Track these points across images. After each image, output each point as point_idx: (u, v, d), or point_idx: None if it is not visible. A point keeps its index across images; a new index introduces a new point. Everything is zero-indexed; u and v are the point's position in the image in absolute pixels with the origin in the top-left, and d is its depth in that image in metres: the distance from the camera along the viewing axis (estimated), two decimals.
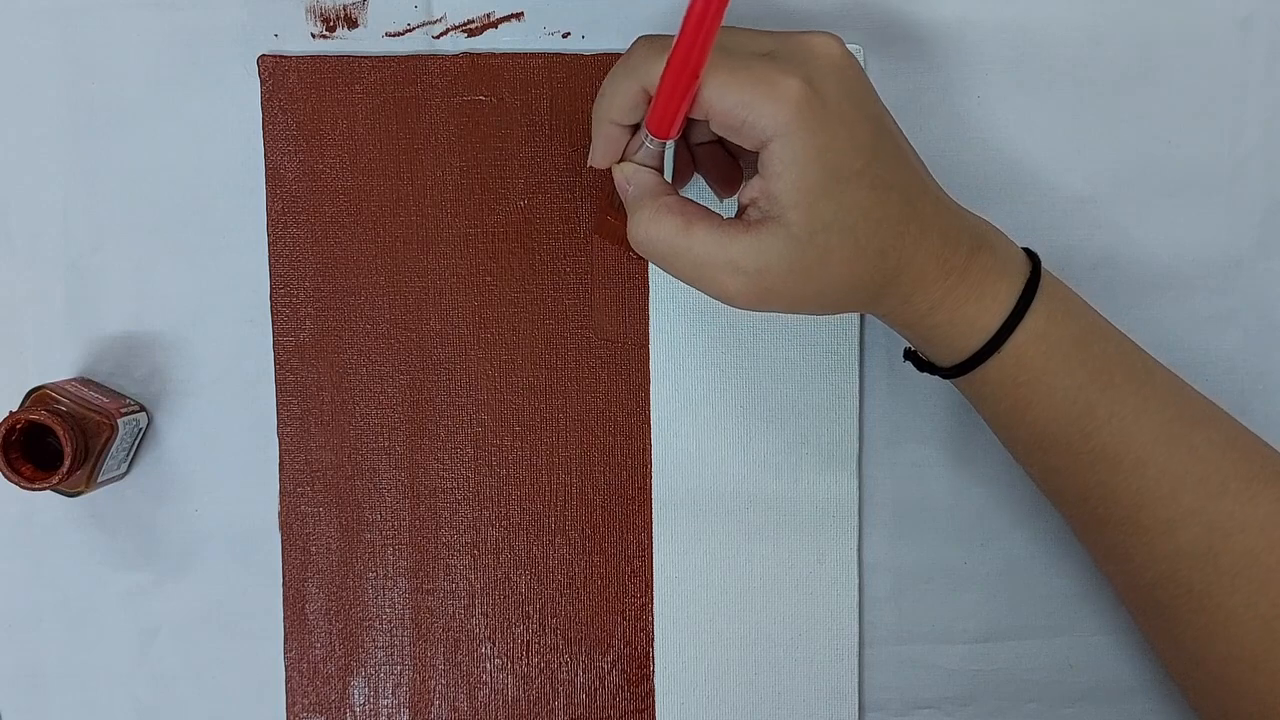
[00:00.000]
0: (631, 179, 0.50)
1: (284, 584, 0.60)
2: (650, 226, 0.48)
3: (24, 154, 0.59)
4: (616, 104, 0.49)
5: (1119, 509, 0.51)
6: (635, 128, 0.50)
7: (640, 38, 0.49)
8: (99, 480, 0.56)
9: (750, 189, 0.48)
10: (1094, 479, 0.51)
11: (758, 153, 0.47)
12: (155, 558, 0.60)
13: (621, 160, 0.51)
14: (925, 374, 0.54)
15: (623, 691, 0.60)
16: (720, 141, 0.52)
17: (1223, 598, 0.50)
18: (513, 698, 0.60)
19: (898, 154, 0.49)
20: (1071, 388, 0.50)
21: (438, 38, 0.59)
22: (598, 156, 0.51)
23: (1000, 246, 0.51)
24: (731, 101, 0.46)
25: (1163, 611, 0.52)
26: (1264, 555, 0.50)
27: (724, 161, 0.53)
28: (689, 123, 0.48)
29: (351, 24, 0.59)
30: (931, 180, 0.51)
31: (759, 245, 0.47)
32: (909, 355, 0.55)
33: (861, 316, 0.60)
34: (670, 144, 0.49)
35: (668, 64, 0.45)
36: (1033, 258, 0.52)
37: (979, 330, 0.50)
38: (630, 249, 0.57)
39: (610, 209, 0.56)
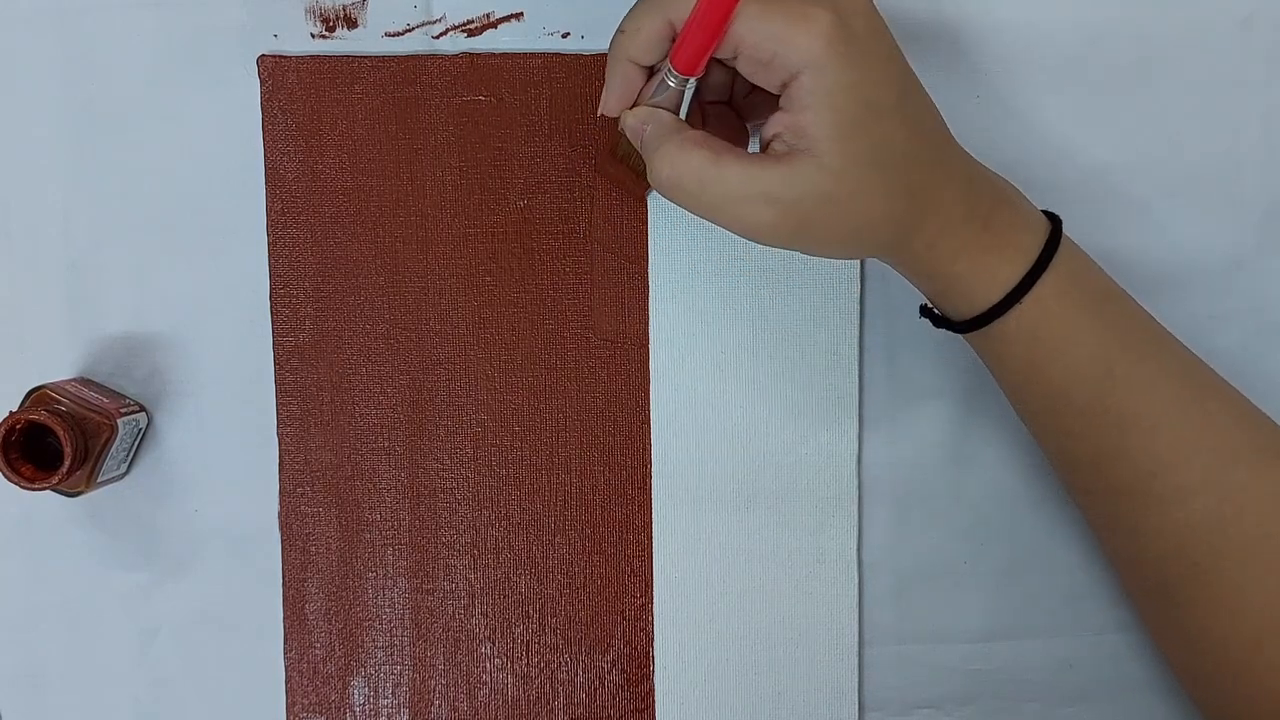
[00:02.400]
0: (649, 120, 0.49)
1: (284, 584, 0.60)
2: (677, 161, 0.47)
3: (24, 154, 0.59)
4: (639, 41, 0.48)
5: (1131, 475, 0.51)
6: (650, 71, 0.49)
7: None
8: (99, 480, 0.56)
9: (775, 123, 0.47)
10: (1108, 443, 0.51)
11: (779, 92, 0.46)
12: (155, 558, 0.60)
13: (634, 106, 0.50)
14: (939, 333, 0.54)
15: (623, 691, 0.60)
16: (729, 103, 0.52)
17: (1231, 573, 0.50)
18: (513, 697, 0.60)
19: (924, 95, 0.49)
20: (1090, 345, 0.50)
21: (437, 38, 0.59)
22: (612, 100, 0.50)
23: (1021, 203, 0.52)
24: (762, 34, 0.45)
25: (1167, 589, 0.52)
26: (1275, 529, 0.50)
27: (733, 123, 0.53)
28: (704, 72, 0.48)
29: (351, 24, 0.59)
30: (950, 132, 0.51)
31: (792, 176, 0.46)
32: (925, 311, 0.54)
33: (861, 316, 0.60)
34: (692, 84, 0.48)
35: None
36: (1053, 218, 0.52)
37: (1000, 282, 0.50)
38: (635, 193, 0.57)
39: (612, 156, 0.56)
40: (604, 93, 0.50)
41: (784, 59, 0.45)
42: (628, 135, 0.50)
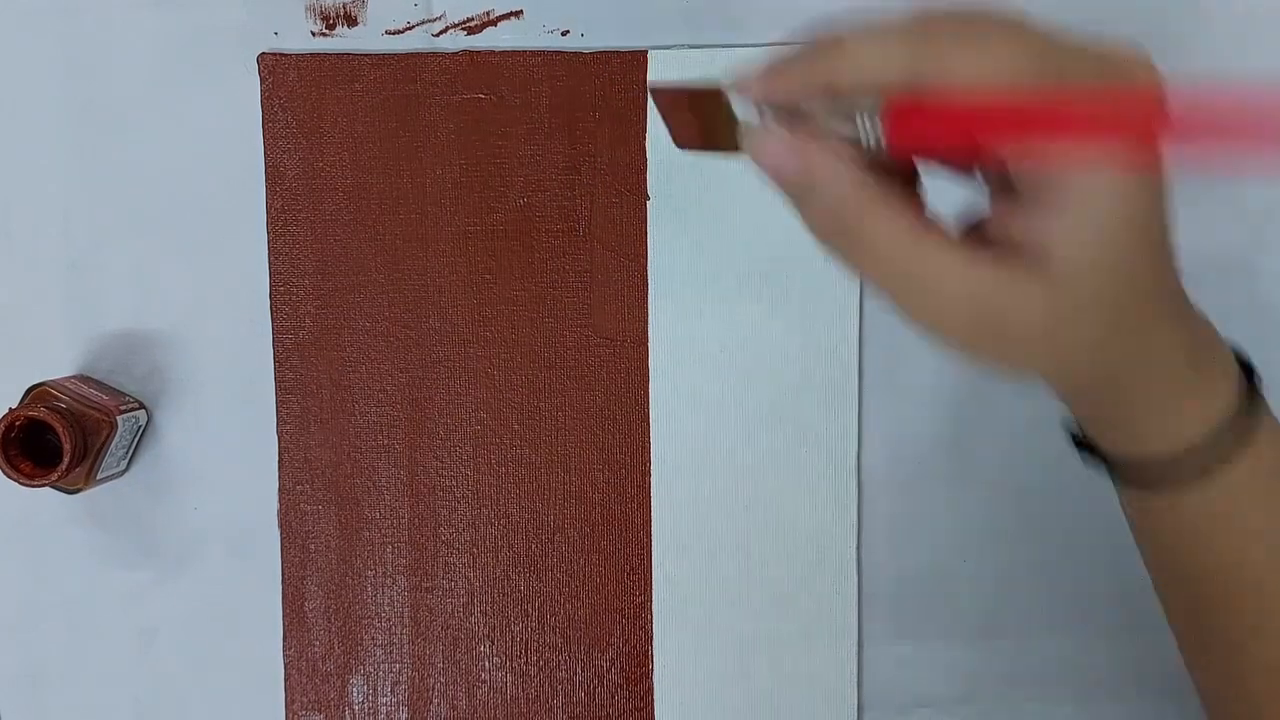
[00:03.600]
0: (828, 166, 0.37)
1: (283, 582, 0.60)
2: (867, 220, 0.36)
3: (24, 154, 0.59)
4: (853, 77, 0.36)
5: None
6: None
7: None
8: (98, 477, 0.56)
9: (1002, 213, 0.38)
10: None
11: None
12: (154, 556, 0.60)
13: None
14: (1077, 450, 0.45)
15: (621, 690, 0.60)
16: None
17: None
18: (511, 696, 0.60)
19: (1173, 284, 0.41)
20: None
21: (437, 35, 0.59)
22: (779, 88, 0.37)
23: (1218, 337, 0.42)
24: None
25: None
26: None
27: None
28: None
29: (351, 22, 0.59)
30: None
31: (1012, 286, 0.36)
32: (1077, 441, 0.45)
33: (861, 315, 0.60)
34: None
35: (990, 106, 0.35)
36: (1244, 363, 0.43)
37: (1200, 418, 0.40)
38: (715, 151, 0.41)
39: (682, 102, 0.42)
40: (766, 72, 0.38)
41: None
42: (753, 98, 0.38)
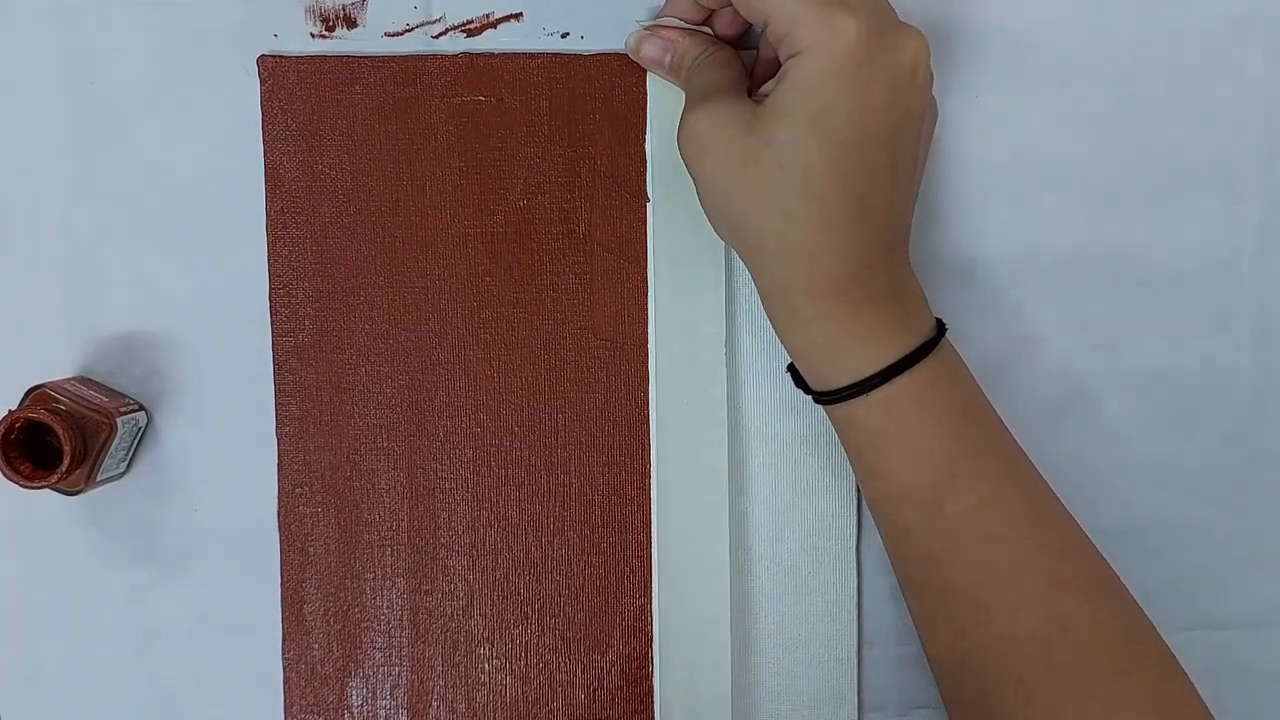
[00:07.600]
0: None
1: (282, 584, 0.60)
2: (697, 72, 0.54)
3: (24, 153, 0.59)
4: None
5: (963, 580, 0.51)
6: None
7: None
8: (98, 479, 0.56)
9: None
10: (942, 546, 0.51)
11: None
12: (154, 557, 0.60)
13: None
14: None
15: (621, 692, 0.60)
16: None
17: (1051, 693, 0.50)
18: (511, 699, 0.60)
19: (881, 177, 0.49)
20: (939, 452, 0.51)
21: (437, 38, 0.59)
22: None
23: (912, 304, 0.52)
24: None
25: (986, 699, 0.52)
26: (1093, 655, 0.50)
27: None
28: None
29: (351, 24, 0.59)
30: (902, 239, 0.52)
31: (742, 120, 0.49)
32: (791, 369, 0.54)
33: None
34: None
35: None
36: (940, 327, 0.52)
37: (850, 370, 0.50)
38: None
39: None
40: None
41: (789, 37, 0.48)
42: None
